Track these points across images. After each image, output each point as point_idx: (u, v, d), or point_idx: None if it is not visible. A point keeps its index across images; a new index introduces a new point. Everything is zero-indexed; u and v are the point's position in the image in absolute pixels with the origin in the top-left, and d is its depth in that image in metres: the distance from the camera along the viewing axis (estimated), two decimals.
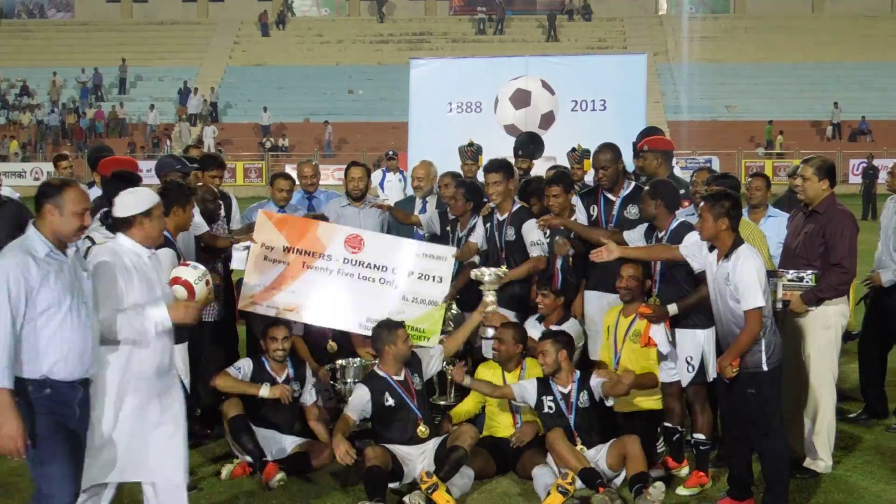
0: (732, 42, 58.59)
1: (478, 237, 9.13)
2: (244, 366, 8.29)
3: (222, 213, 9.58)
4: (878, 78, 53.89)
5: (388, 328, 8.09)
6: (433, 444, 7.97)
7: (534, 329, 8.58)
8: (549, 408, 7.87)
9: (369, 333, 8.38)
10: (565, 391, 7.84)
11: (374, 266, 8.91)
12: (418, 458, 7.88)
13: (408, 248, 9.08)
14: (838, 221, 7.88)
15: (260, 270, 8.81)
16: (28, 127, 52.29)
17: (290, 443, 8.23)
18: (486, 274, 8.33)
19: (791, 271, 7.82)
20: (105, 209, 8.31)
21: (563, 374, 7.84)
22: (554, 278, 8.87)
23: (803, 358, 7.95)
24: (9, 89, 56.35)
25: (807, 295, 7.78)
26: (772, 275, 7.62)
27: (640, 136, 10.19)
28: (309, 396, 8.51)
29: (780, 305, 7.73)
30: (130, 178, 8.24)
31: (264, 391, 8.08)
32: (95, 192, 9.59)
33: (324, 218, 9.43)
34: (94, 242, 8.15)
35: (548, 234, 8.90)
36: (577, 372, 7.90)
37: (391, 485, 7.62)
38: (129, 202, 6.10)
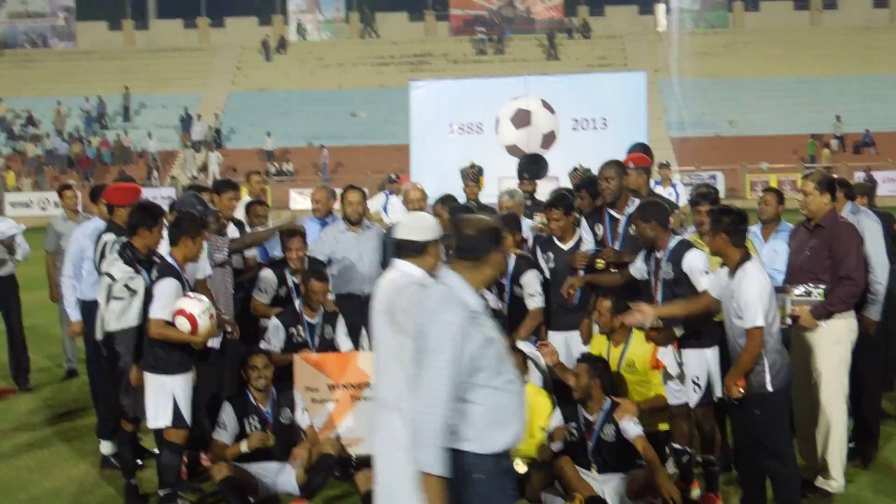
0: (733, 57, 58.62)
1: None
2: (227, 421, 8.16)
3: (229, 233, 9.58)
4: (880, 90, 53.89)
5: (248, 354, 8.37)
6: None
7: (523, 345, 8.57)
8: (572, 435, 7.80)
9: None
10: (591, 418, 7.77)
11: None
12: None
13: None
14: (843, 235, 7.85)
15: (312, 414, 8.59)
16: (34, 157, 52.36)
17: (282, 480, 8.13)
18: None
19: (799, 287, 7.78)
20: (124, 242, 8.33)
21: (593, 403, 7.75)
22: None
23: (814, 374, 7.88)
24: (14, 119, 56.53)
25: (817, 309, 7.74)
26: (780, 290, 7.59)
27: (531, 169, 10.45)
28: (303, 419, 8.44)
29: (789, 321, 7.67)
30: (154, 210, 8.29)
31: (244, 447, 8.04)
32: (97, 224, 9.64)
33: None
34: (113, 279, 8.15)
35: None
36: (608, 401, 7.79)
37: None
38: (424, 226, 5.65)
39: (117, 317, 8.10)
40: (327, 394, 8.61)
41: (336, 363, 8.74)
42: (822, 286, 7.75)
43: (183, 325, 7.53)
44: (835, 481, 7.87)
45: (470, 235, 4.83)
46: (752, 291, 6.79)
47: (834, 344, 7.84)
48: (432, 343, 4.59)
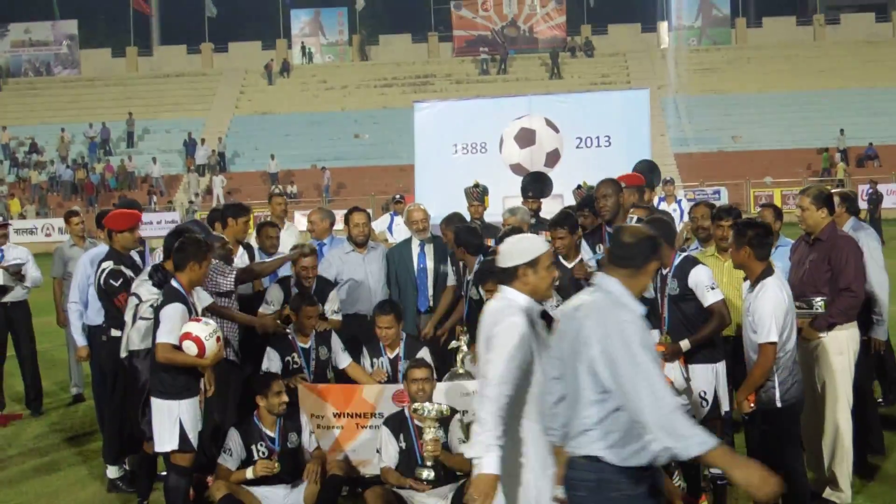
0: (736, 73, 58.75)
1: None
2: (234, 447, 8.15)
3: (236, 260, 9.59)
4: (883, 103, 53.91)
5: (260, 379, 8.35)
6: (449, 489, 7.92)
7: None
8: None
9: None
10: None
11: None
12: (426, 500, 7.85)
13: (453, 390, 8.56)
14: (842, 247, 7.87)
15: (318, 438, 8.60)
16: (38, 184, 52.54)
17: (291, 501, 8.11)
18: (427, 409, 7.77)
19: (800, 299, 7.79)
20: (155, 265, 8.41)
21: None
22: None
23: (818, 386, 7.87)
24: (18, 147, 56.74)
25: (818, 322, 7.75)
26: None
27: (535, 187, 10.53)
28: (310, 442, 8.43)
29: None
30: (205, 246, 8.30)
31: (249, 474, 8.05)
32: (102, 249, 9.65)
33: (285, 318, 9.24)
34: (140, 300, 8.25)
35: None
36: None
37: None
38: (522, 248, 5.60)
39: (142, 336, 8.20)
40: (332, 421, 8.61)
41: (341, 394, 8.73)
42: (823, 298, 7.76)
43: (190, 348, 7.54)
44: (842, 493, 7.85)
45: (629, 244, 4.88)
46: (767, 306, 6.79)
47: (837, 355, 7.83)
48: (631, 346, 4.62)
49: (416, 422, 7.92)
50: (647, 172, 10.48)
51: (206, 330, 7.63)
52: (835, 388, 7.82)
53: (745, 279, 7.19)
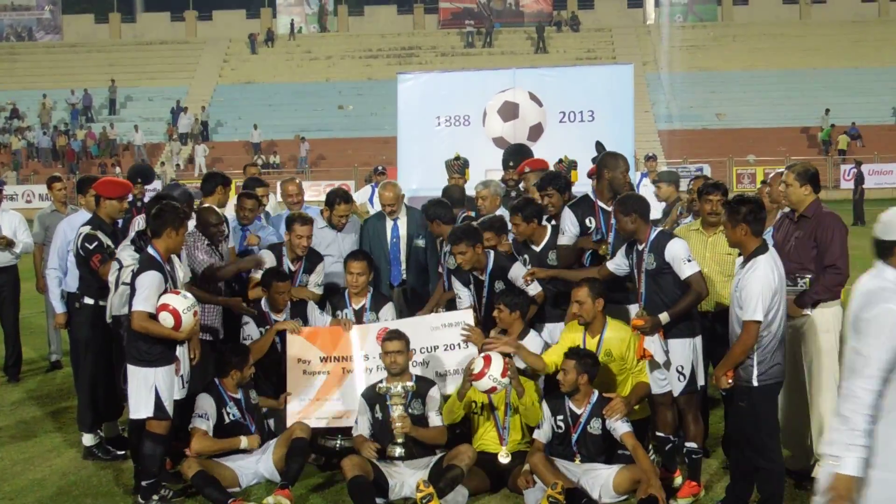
0: (721, 50, 58.79)
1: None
2: (207, 408, 8.26)
3: (227, 232, 9.55)
4: (868, 83, 54.10)
5: (239, 354, 8.43)
6: (427, 461, 7.96)
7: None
8: (559, 427, 7.84)
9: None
10: (578, 412, 7.79)
11: None
12: (408, 475, 7.86)
13: (428, 324, 8.88)
14: (828, 224, 7.87)
15: (302, 385, 8.72)
16: (18, 151, 52.22)
17: (263, 467, 8.28)
18: (393, 388, 7.85)
19: (786, 277, 7.80)
20: (139, 230, 8.43)
21: (580, 396, 7.77)
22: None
23: (805, 364, 7.89)
24: None
25: (801, 298, 7.76)
26: None
27: (516, 158, 10.42)
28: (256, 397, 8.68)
29: None
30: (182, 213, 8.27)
31: (244, 444, 8.25)
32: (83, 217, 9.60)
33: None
34: (122, 265, 8.28)
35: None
36: (595, 394, 7.80)
37: (378, 500, 7.66)
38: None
39: (124, 302, 8.21)
40: (319, 366, 8.68)
41: (328, 336, 8.83)
42: (808, 275, 7.78)
43: (166, 320, 7.54)
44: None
45: None
46: (755, 285, 6.80)
47: (824, 333, 7.84)
48: None
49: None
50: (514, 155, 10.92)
51: (184, 303, 7.63)
52: (821, 366, 7.83)
53: (738, 255, 7.19)
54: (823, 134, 49.09)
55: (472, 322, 8.66)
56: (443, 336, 8.73)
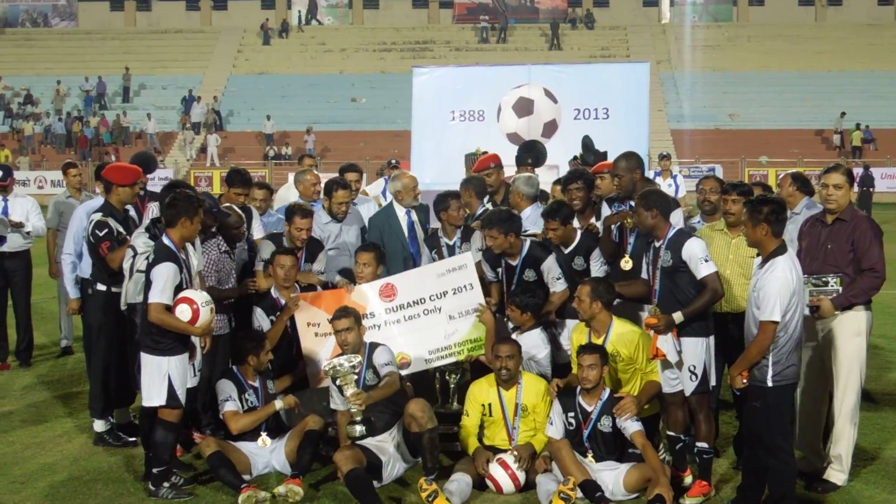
0: (735, 51, 58.59)
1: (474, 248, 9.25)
2: (230, 392, 8.37)
3: (246, 232, 9.58)
4: (882, 87, 53.87)
5: (255, 340, 8.49)
6: (396, 429, 8.19)
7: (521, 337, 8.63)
8: (570, 423, 7.86)
9: (435, 366, 8.85)
10: (588, 409, 7.81)
11: (413, 303, 9.02)
12: (392, 449, 8.07)
13: (432, 272, 9.11)
14: (865, 227, 7.90)
15: (317, 347, 8.92)
16: (32, 136, 52.32)
17: (275, 458, 8.38)
18: (339, 366, 7.84)
19: (816, 277, 7.79)
20: (154, 218, 8.47)
21: (592, 393, 7.80)
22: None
23: (833, 365, 7.88)
24: (13, 98, 56.43)
25: (837, 299, 7.77)
26: None
27: (532, 155, 10.85)
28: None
29: (807, 311, 7.62)
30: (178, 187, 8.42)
31: (279, 404, 8.39)
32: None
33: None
34: (136, 252, 8.33)
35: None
36: (606, 391, 7.83)
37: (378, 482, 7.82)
38: None
39: (139, 289, 8.24)
40: (328, 328, 8.74)
41: (332, 298, 8.99)
42: (839, 276, 7.78)
43: (184, 313, 7.59)
44: (843, 474, 7.89)
45: None
46: (774, 285, 6.80)
47: (855, 335, 7.87)
48: None
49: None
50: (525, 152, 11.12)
51: (202, 298, 7.69)
52: (851, 368, 7.85)
53: (757, 255, 7.17)
54: (855, 140, 48.89)
55: (471, 265, 8.95)
56: (450, 281, 8.98)
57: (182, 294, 7.63)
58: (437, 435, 7.95)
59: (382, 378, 8.10)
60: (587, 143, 11.87)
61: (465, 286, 8.94)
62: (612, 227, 8.77)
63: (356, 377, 7.93)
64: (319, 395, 8.88)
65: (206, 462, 7.97)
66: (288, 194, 11.87)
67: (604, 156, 11.18)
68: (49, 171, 45.70)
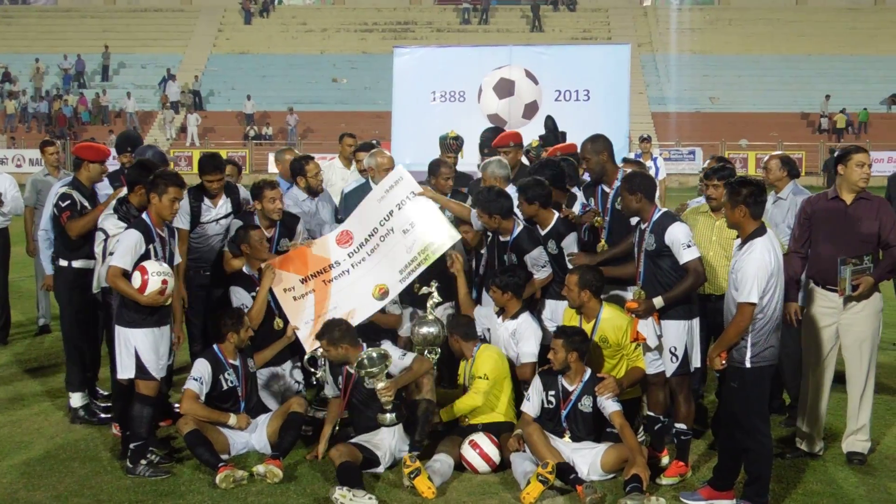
0: (717, 34, 58.67)
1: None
2: (203, 373, 8.27)
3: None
4: (862, 71, 54.11)
5: (234, 317, 8.44)
6: (396, 416, 8.12)
7: (486, 319, 8.74)
8: (550, 402, 7.88)
9: (411, 282, 8.84)
10: (570, 388, 7.83)
11: (369, 236, 9.06)
12: (388, 437, 8.03)
13: (372, 200, 9.16)
14: (888, 205, 8.06)
15: (299, 311, 8.95)
16: (14, 114, 51.95)
17: (255, 439, 8.39)
18: (367, 366, 7.93)
19: (855, 258, 7.84)
20: (120, 197, 8.47)
21: (572, 373, 7.82)
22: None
23: (855, 343, 7.98)
24: None
25: (874, 275, 7.86)
26: (841, 262, 7.73)
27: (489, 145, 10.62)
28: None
29: (849, 290, 7.76)
30: (151, 167, 8.46)
31: (232, 421, 8.27)
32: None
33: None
34: (107, 235, 8.32)
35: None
36: (588, 372, 7.85)
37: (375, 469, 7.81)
38: None
39: None
40: (302, 288, 8.89)
41: (297, 258, 9.06)
42: (871, 254, 7.87)
43: (135, 279, 7.65)
44: (868, 442, 8.12)
45: None
46: (751, 267, 6.81)
47: (878, 313, 8.03)
48: None
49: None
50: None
51: (156, 268, 7.69)
52: (874, 345, 8.02)
53: (736, 237, 7.20)
54: (863, 115, 49.54)
55: (406, 175, 9.07)
56: (392, 199, 9.02)
57: (142, 263, 7.67)
58: (434, 409, 8.04)
59: (405, 366, 8.17)
60: (549, 124, 11.87)
61: (406, 197, 8.99)
62: (583, 226, 8.76)
63: (386, 369, 7.97)
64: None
65: (184, 440, 7.96)
66: (331, 175, 11.79)
67: (564, 137, 11.24)
68: (26, 150, 45.41)
